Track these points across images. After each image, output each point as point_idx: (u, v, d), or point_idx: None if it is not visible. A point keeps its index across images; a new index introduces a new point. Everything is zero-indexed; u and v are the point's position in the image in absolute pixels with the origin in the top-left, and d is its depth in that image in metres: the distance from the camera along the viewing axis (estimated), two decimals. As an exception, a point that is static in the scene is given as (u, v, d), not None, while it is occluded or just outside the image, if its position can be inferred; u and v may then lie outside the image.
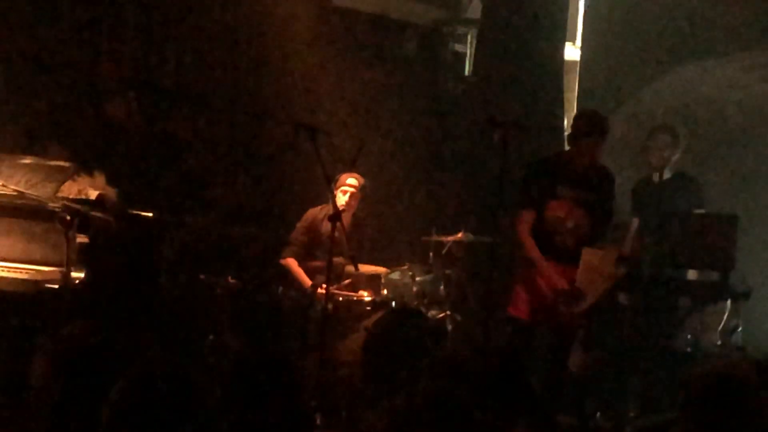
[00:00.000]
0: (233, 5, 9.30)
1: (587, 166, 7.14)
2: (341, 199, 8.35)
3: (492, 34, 9.81)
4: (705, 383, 3.32)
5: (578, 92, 10.71)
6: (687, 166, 8.74)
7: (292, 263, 8.49)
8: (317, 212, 8.56)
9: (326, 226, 8.42)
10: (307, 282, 8.31)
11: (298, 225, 8.58)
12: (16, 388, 4.79)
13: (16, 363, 5.64)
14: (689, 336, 8.16)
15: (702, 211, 8.27)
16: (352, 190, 8.44)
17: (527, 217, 7.11)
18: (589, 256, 7.08)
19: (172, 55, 9.02)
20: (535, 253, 7.06)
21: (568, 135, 7.37)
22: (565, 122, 10.12)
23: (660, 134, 8.43)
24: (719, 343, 8.30)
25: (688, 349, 8.05)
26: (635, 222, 8.31)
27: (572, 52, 10.73)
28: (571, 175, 7.14)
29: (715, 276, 7.90)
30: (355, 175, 8.46)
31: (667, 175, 8.38)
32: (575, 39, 10.86)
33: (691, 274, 8.14)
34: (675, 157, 8.37)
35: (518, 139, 7.23)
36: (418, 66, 10.63)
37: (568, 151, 7.29)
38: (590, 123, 7.12)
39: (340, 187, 8.36)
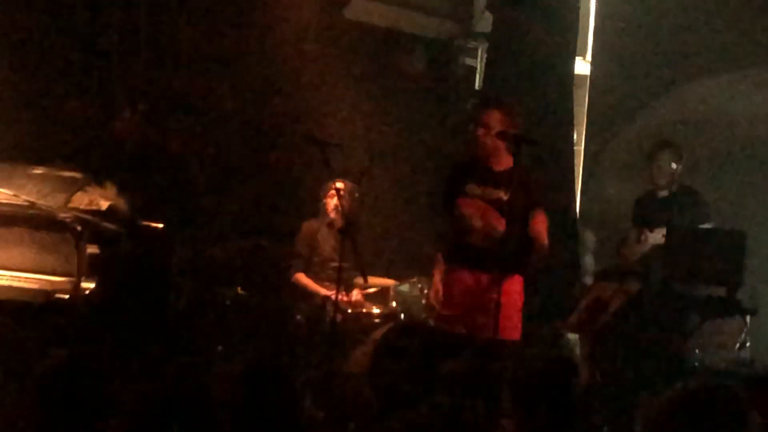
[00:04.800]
0: (244, 18, 9.33)
1: (496, 164, 6.92)
2: (330, 204, 8.42)
3: (502, 49, 9.82)
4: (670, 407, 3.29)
5: (588, 107, 10.72)
6: (697, 181, 8.75)
7: (302, 278, 8.55)
8: (313, 224, 8.63)
9: (322, 238, 8.52)
10: (322, 291, 8.36)
11: (297, 238, 8.64)
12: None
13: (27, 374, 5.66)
14: (697, 351, 8.16)
15: (710, 225, 8.29)
16: (339, 194, 8.49)
17: (440, 221, 7.08)
18: (599, 290, 7.10)
19: (183, 69, 9.05)
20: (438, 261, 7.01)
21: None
22: (575, 137, 10.14)
23: (662, 151, 8.43)
24: (727, 358, 8.31)
25: (696, 365, 8.05)
26: (634, 232, 8.35)
27: (582, 66, 10.74)
28: (480, 173, 6.95)
29: (722, 291, 7.90)
30: (341, 179, 8.45)
31: (671, 189, 8.39)
32: (586, 53, 10.87)
33: (699, 290, 8.14)
34: (678, 171, 8.38)
35: (527, 153, 7.15)
36: (428, 80, 10.65)
37: None
38: (472, 110, 6.91)
39: (328, 193, 8.43)
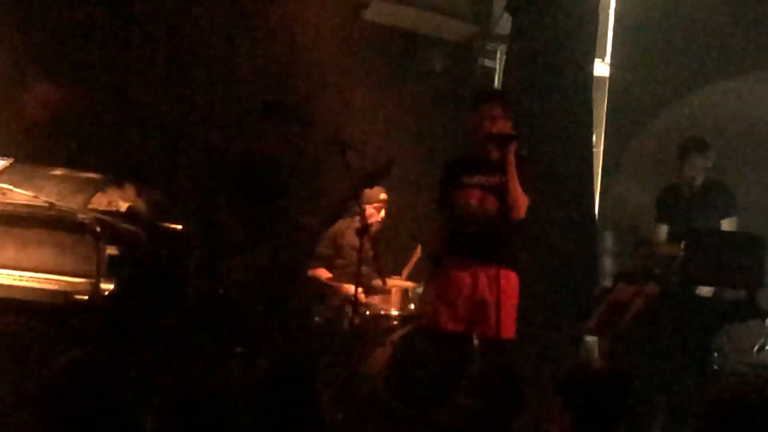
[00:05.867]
0: (263, 18, 9.33)
1: (492, 153, 6.91)
2: (376, 216, 8.44)
3: (521, 50, 9.81)
4: (727, 403, 3.31)
5: (607, 108, 10.71)
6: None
7: (322, 273, 8.56)
8: (342, 225, 8.62)
9: (350, 239, 8.51)
10: (339, 288, 8.38)
11: (323, 237, 8.65)
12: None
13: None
14: (716, 354, 8.14)
15: (732, 220, 8.24)
16: (385, 205, 8.54)
17: (440, 215, 7.09)
18: (618, 293, 7.05)
19: (200, 68, 9.06)
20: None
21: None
22: (594, 138, 10.12)
23: (693, 148, 8.36)
24: (747, 361, 8.29)
25: (715, 367, 8.02)
26: (663, 229, 8.29)
27: (602, 68, 10.73)
28: (477, 164, 6.99)
29: (742, 294, 7.87)
30: (382, 188, 8.53)
31: (697, 184, 8.34)
32: (605, 55, 10.85)
33: (719, 293, 8.10)
34: (707, 167, 8.35)
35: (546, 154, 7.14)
36: (447, 81, 10.64)
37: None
38: (480, 92, 6.90)
39: (373, 202, 8.43)
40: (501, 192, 6.80)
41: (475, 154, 7.06)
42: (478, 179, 6.94)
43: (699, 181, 8.36)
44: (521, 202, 6.80)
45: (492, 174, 6.88)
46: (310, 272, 8.62)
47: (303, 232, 8.12)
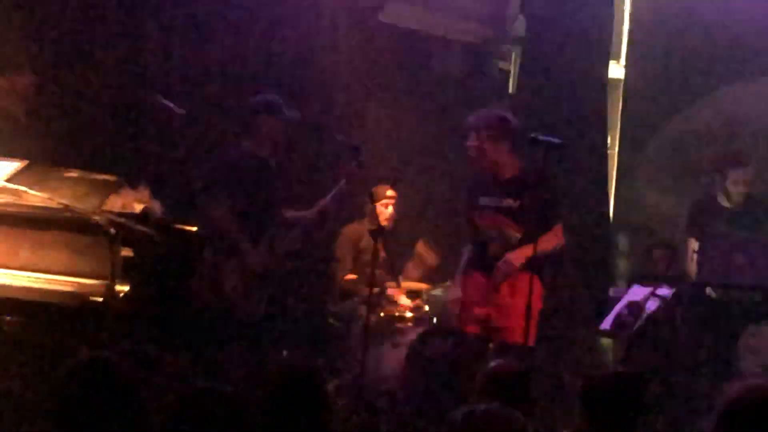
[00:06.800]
0: (277, 18, 9.32)
1: (501, 173, 7.05)
2: (385, 213, 8.39)
3: (536, 52, 9.82)
4: (743, 406, 3.30)
5: (622, 111, 10.69)
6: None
7: (349, 276, 8.53)
8: (357, 228, 8.59)
9: (367, 242, 8.49)
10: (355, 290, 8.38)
11: (341, 242, 8.61)
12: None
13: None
14: (731, 356, 8.11)
15: None
16: (393, 201, 8.50)
17: (466, 229, 7.26)
18: (633, 295, 7.12)
19: (214, 68, 9.04)
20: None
21: None
22: (608, 141, 10.11)
23: (736, 166, 8.29)
24: (763, 363, 8.26)
25: (731, 369, 8.00)
26: (693, 243, 8.23)
27: (616, 70, 10.72)
28: (488, 185, 7.09)
29: (758, 296, 7.86)
30: (389, 186, 8.50)
31: (738, 199, 8.27)
32: (620, 57, 10.84)
33: (734, 295, 8.07)
34: (748, 181, 8.30)
35: (558, 157, 7.14)
36: (461, 83, 10.64)
37: None
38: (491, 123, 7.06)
39: (380, 200, 8.40)
40: (516, 212, 6.96)
41: (485, 174, 7.17)
42: (491, 201, 7.08)
43: (740, 195, 8.30)
44: (554, 243, 6.99)
45: (505, 196, 7.03)
46: (343, 281, 8.59)
47: (295, 227, 8.07)
